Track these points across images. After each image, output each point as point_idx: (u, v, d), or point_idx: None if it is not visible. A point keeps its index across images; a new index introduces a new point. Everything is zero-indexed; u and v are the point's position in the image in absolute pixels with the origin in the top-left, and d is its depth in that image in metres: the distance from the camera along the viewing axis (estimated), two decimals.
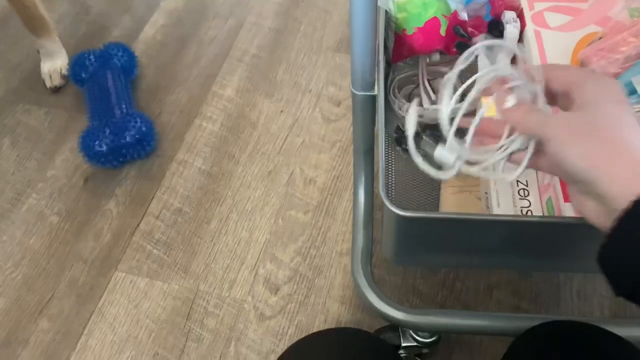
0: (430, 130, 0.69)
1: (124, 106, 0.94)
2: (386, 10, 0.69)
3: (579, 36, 0.66)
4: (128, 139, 0.90)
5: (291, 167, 0.93)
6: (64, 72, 1.07)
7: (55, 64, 1.06)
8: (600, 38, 0.64)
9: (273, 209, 0.88)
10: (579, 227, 0.51)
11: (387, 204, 0.52)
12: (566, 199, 0.53)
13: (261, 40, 1.13)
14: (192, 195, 0.91)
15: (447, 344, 0.73)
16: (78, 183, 0.94)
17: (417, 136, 0.68)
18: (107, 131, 0.90)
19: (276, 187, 0.91)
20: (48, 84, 1.06)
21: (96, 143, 0.89)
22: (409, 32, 0.67)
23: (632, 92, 0.56)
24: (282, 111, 1.00)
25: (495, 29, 0.69)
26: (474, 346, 0.72)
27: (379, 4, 0.67)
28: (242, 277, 0.81)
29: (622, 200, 0.32)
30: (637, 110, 0.55)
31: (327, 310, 0.78)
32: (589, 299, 0.75)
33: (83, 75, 1.01)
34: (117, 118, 0.92)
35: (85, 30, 1.18)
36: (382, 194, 0.53)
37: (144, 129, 0.91)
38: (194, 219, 0.88)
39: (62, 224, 0.89)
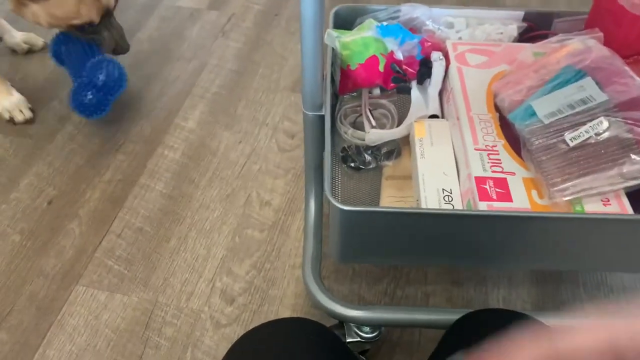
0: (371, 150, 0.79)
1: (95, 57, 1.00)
2: (332, 48, 0.81)
3: (493, 72, 0.79)
4: (102, 77, 0.97)
5: (248, 190, 1.00)
6: (28, 104, 1.12)
7: (12, 98, 1.11)
8: (509, 74, 0.77)
9: (230, 227, 0.95)
10: (489, 219, 0.61)
11: (332, 200, 0.60)
12: (481, 197, 0.64)
13: (222, 80, 1.22)
14: (153, 216, 0.96)
15: (389, 345, 0.79)
16: (42, 205, 0.98)
17: (359, 152, 0.78)
18: (87, 80, 0.97)
19: (234, 208, 0.97)
20: (19, 117, 1.11)
21: (83, 95, 0.96)
22: (353, 67, 0.78)
23: (532, 114, 0.68)
24: (240, 142, 1.09)
25: (425, 65, 0.82)
26: (413, 345, 0.79)
27: (326, 41, 0.78)
28: (200, 290, 0.86)
29: None
30: (535, 128, 0.66)
31: None
32: (513, 303, 0.84)
33: (63, 49, 1.06)
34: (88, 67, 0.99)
35: (53, 67, 1.24)
36: (327, 193, 0.61)
37: (114, 68, 0.98)
38: (155, 237, 0.93)
39: (24, 242, 0.92)
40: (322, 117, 0.73)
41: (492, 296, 0.85)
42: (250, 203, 0.98)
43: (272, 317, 0.83)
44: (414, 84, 0.82)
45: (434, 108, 0.79)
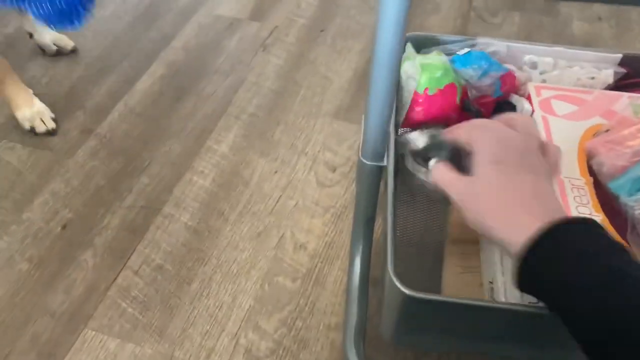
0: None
1: None
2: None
3: (585, 126, 0.67)
4: None
5: (282, 229, 0.90)
6: (51, 114, 1.04)
7: (34, 108, 1.03)
8: (607, 130, 0.65)
9: (260, 273, 0.84)
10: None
11: (395, 280, 0.49)
12: None
13: (260, 99, 1.12)
14: (175, 252, 0.86)
15: None
16: (55, 229, 0.89)
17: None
18: None
19: (265, 250, 0.87)
20: (41, 128, 1.02)
21: None
22: (431, 92, 0.66)
23: None
24: (276, 171, 0.98)
25: (507, 106, 0.70)
26: None
27: (406, 64, 0.67)
28: (222, 346, 0.76)
29: (516, 248, 0.40)
30: None
31: None
32: None
33: None
34: None
35: (82, 72, 1.16)
36: (390, 269, 0.50)
37: None
38: (175, 277, 0.83)
39: (32, 271, 0.83)
40: (382, 169, 0.62)
41: None
42: (283, 245, 0.88)
43: None
44: None
45: None
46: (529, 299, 0.54)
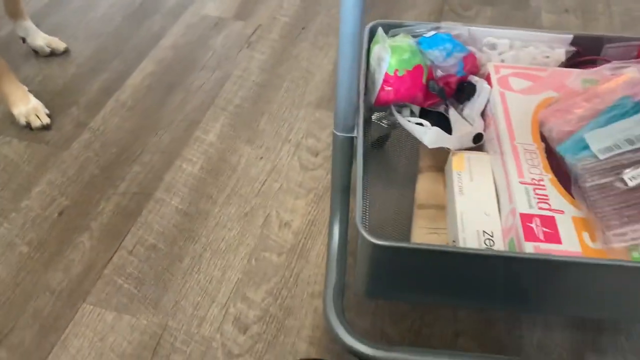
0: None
1: None
2: (368, 56, 0.75)
3: (539, 99, 0.74)
4: None
5: (268, 209, 0.95)
6: (46, 110, 1.09)
7: (29, 104, 1.08)
8: (557, 101, 0.72)
9: (247, 249, 0.89)
10: (537, 263, 0.55)
11: (363, 233, 0.55)
12: (527, 237, 0.58)
13: (245, 92, 1.18)
14: (167, 233, 0.92)
15: None
16: (52, 215, 0.94)
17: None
18: None
19: (252, 228, 0.92)
20: (36, 123, 1.07)
21: None
22: (400, 73, 0.72)
23: (585, 147, 0.62)
24: (262, 157, 1.04)
25: (469, 85, 0.76)
26: None
27: (377, 47, 0.73)
28: (212, 315, 0.81)
29: None
30: (589, 164, 0.60)
31: (296, 351, 0.78)
32: (548, 351, 0.78)
33: None
34: None
35: (74, 71, 1.22)
36: (358, 224, 0.56)
37: None
38: (168, 255, 0.89)
39: (32, 254, 0.88)
40: (353, 139, 0.68)
41: (527, 340, 0.78)
42: (269, 223, 0.93)
43: (287, 349, 0.78)
44: (450, 104, 0.77)
45: (480, 127, 0.74)
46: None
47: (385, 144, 0.91)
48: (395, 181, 0.85)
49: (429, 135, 0.69)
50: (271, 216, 0.94)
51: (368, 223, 0.71)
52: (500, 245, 0.62)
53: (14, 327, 0.79)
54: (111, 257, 0.88)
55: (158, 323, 0.80)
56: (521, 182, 0.63)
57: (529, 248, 0.56)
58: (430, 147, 0.69)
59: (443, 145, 0.70)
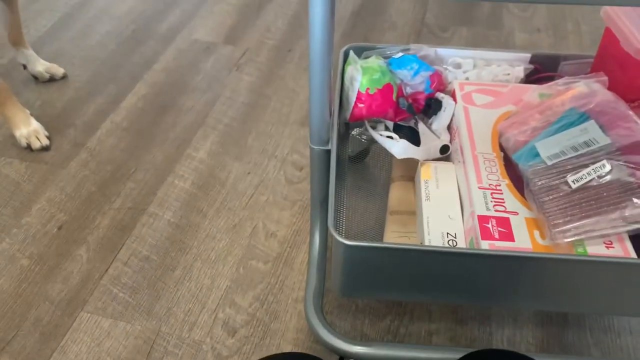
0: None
1: None
2: (343, 76, 0.82)
3: (499, 113, 0.80)
4: None
5: (255, 221, 1.01)
6: (45, 132, 1.16)
7: (30, 127, 1.14)
8: (515, 114, 0.78)
9: (235, 258, 0.95)
10: (490, 259, 0.61)
11: (335, 234, 0.61)
12: (484, 236, 0.64)
13: (234, 112, 1.25)
14: (160, 245, 0.97)
15: None
16: (51, 230, 0.99)
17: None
18: None
19: (240, 239, 0.98)
20: (36, 144, 1.14)
21: None
22: (372, 91, 0.79)
23: (536, 155, 0.68)
24: (249, 173, 1.10)
25: (435, 100, 0.83)
26: None
27: (350, 68, 0.80)
28: (202, 320, 0.87)
29: None
30: (538, 168, 0.67)
31: (281, 352, 0.83)
32: (517, 345, 0.83)
33: None
34: None
35: (72, 95, 1.29)
36: (330, 227, 0.62)
37: None
38: (160, 265, 0.94)
39: (32, 266, 0.93)
40: (329, 152, 0.74)
41: (497, 336, 0.84)
42: (256, 234, 0.99)
43: (273, 351, 0.83)
44: (419, 118, 0.83)
45: (446, 139, 0.80)
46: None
47: (365, 157, 0.98)
48: (374, 192, 0.91)
49: (397, 147, 0.75)
50: (258, 227, 1.00)
51: (349, 232, 0.77)
52: (462, 245, 0.68)
53: (16, 335, 0.84)
54: (107, 269, 0.93)
55: (151, 328, 0.85)
56: (480, 187, 0.69)
57: (485, 245, 0.62)
58: (398, 157, 0.75)
59: (411, 156, 0.77)
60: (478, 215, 0.66)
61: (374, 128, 0.84)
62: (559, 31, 1.52)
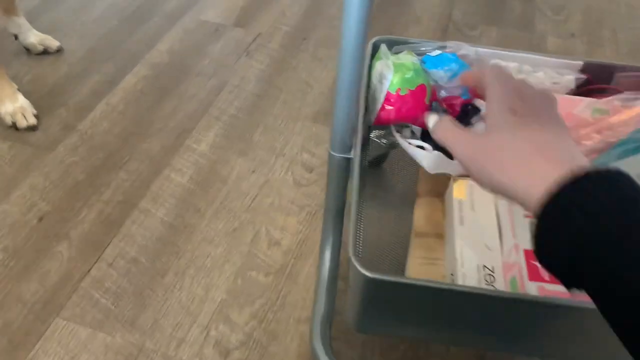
0: None
1: None
2: (370, 72, 0.71)
3: None
4: None
5: (257, 226, 0.91)
6: (33, 110, 1.05)
7: (17, 103, 1.04)
8: None
9: (233, 267, 0.85)
10: (541, 306, 0.51)
11: (356, 265, 0.51)
12: (532, 277, 0.54)
13: (241, 102, 1.15)
14: (151, 246, 0.87)
15: None
16: (31, 221, 0.89)
17: None
18: None
19: (239, 245, 0.88)
20: (22, 123, 1.03)
21: None
22: (403, 92, 0.68)
23: None
24: (254, 171, 1.00)
25: (473, 109, 0.73)
26: None
27: (379, 63, 0.69)
28: (192, 337, 0.77)
29: (533, 204, 0.34)
30: None
31: None
32: None
33: None
34: None
35: (66, 71, 1.18)
36: (351, 255, 0.52)
37: None
38: (149, 270, 0.84)
39: (6, 261, 0.83)
40: (350, 160, 0.64)
41: None
42: (257, 241, 0.89)
43: None
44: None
45: None
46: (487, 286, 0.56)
47: (382, 163, 0.88)
48: (391, 204, 0.81)
49: (429, 159, 0.65)
50: (260, 233, 0.90)
51: (364, 251, 0.67)
52: (501, 282, 0.58)
53: None
54: (89, 269, 0.83)
55: (134, 343, 0.76)
56: (527, 216, 0.59)
57: (533, 289, 0.53)
58: (431, 172, 0.65)
59: (444, 171, 0.67)
60: (524, 250, 0.56)
61: (399, 133, 0.74)
62: (595, 38, 1.42)
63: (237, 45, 1.29)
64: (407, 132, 0.77)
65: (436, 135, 0.46)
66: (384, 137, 0.86)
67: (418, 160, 0.66)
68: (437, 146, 0.70)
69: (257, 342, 0.77)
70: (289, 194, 0.97)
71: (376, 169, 0.86)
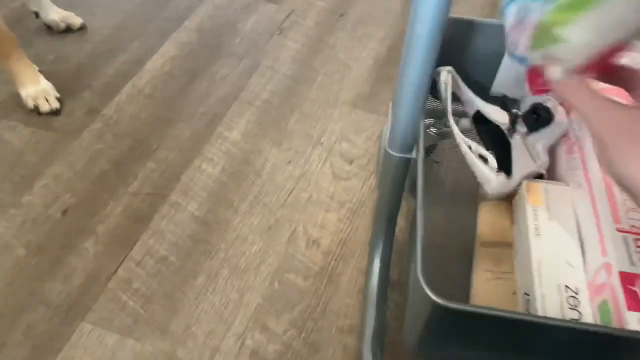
0: None
1: None
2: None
3: None
4: None
5: (294, 224, 0.84)
6: (56, 93, 0.99)
7: (39, 86, 0.98)
8: None
9: (270, 269, 0.79)
10: None
11: (425, 287, 0.44)
12: (631, 306, 0.46)
13: (275, 85, 1.07)
14: (182, 244, 0.81)
15: None
16: (55, 215, 0.84)
17: None
18: None
19: (276, 245, 0.82)
20: (45, 107, 0.97)
21: None
22: None
23: None
24: (290, 162, 0.93)
25: (544, 111, 0.63)
26: None
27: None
28: (227, 347, 0.71)
29: None
30: None
31: None
32: None
33: None
34: None
35: (90, 50, 1.11)
36: (419, 276, 0.45)
37: None
38: (180, 271, 0.78)
39: (29, 259, 0.78)
40: (410, 161, 0.56)
41: None
42: (295, 240, 0.82)
43: None
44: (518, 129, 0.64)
45: (544, 165, 0.61)
46: (572, 315, 0.48)
47: (430, 154, 0.80)
48: (441, 201, 0.73)
49: (494, 183, 0.57)
50: (298, 232, 0.83)
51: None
52: (587, 307, 0.50)
53: (3, 345, 0.70)
54: (117, 269, 0.78)
55: (165, 351, 0.70)
56: (619, 230, 0.50)
57: (634, 321, 0.44)
58: (493, 196, 0.57)
59: (505, 192, 0.58)
60: (620, 272, 0.47)
61: (456, 123, 0.65)
62: None
63: (269, 23, 1.21)
64: (465, 122, 0.68)
65: (570, 96, 0.34)
66: (434, 125, 0.77)
67: (480, 180, 0.58)
68: (500, 156, 0.61)
69: (296, 353, 0.70)
70: (328, 188, 0.89)
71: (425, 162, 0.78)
